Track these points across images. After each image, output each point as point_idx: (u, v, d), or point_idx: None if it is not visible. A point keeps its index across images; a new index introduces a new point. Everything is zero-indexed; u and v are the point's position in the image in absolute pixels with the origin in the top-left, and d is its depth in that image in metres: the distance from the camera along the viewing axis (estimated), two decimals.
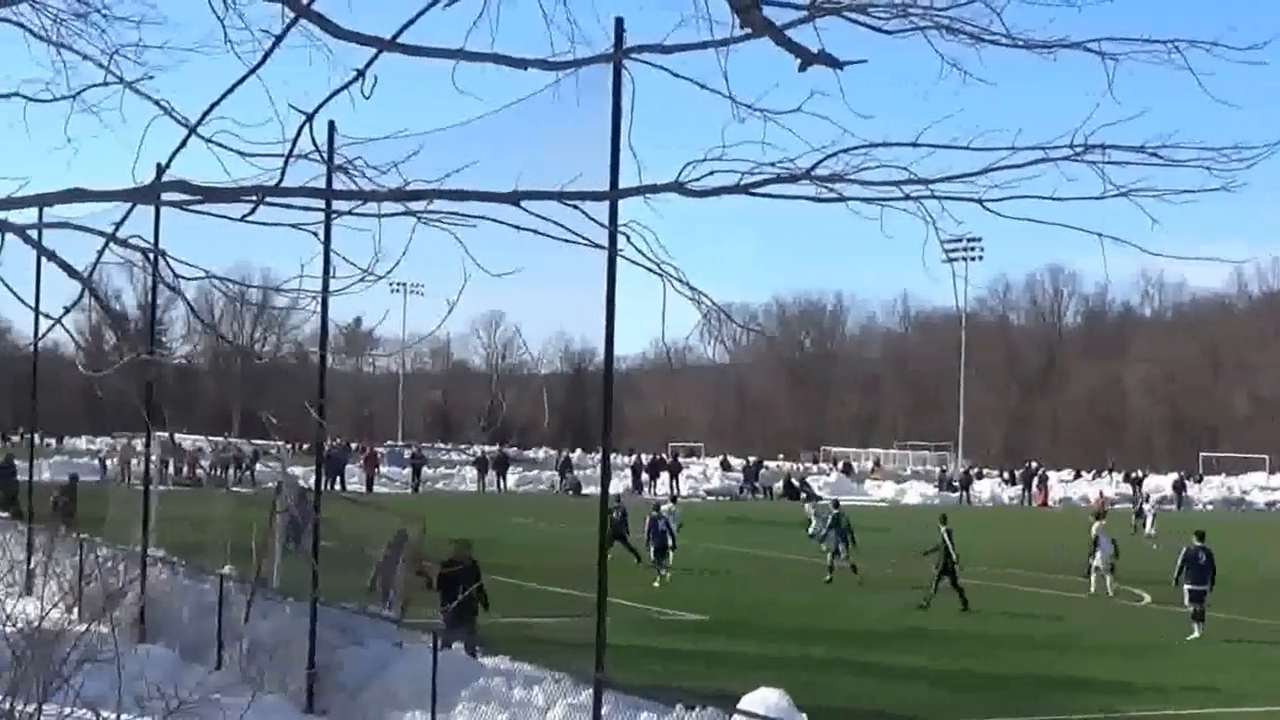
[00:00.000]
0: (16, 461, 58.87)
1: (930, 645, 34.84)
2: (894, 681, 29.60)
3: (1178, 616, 38.40)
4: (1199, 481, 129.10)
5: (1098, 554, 46.66)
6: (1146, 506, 79.90)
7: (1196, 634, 37.20)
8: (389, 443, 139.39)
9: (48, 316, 10.88)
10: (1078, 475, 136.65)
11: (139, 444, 63.62)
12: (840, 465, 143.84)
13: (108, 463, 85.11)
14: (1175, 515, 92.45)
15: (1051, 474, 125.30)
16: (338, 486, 78.26)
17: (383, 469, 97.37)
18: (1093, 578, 46.69)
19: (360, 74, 9.15)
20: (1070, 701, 28.15)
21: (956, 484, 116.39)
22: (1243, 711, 28.10)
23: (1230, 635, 37.62)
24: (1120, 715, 27.24)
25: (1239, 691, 29.96)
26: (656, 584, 43.66)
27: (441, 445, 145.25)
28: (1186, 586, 37.89)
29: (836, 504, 53.96)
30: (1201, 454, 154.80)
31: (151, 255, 10.51)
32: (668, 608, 39.07)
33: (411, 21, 9.00)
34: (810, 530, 57.47)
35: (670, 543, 46.87)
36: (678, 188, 9.43)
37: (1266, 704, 28.59)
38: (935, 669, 31.35)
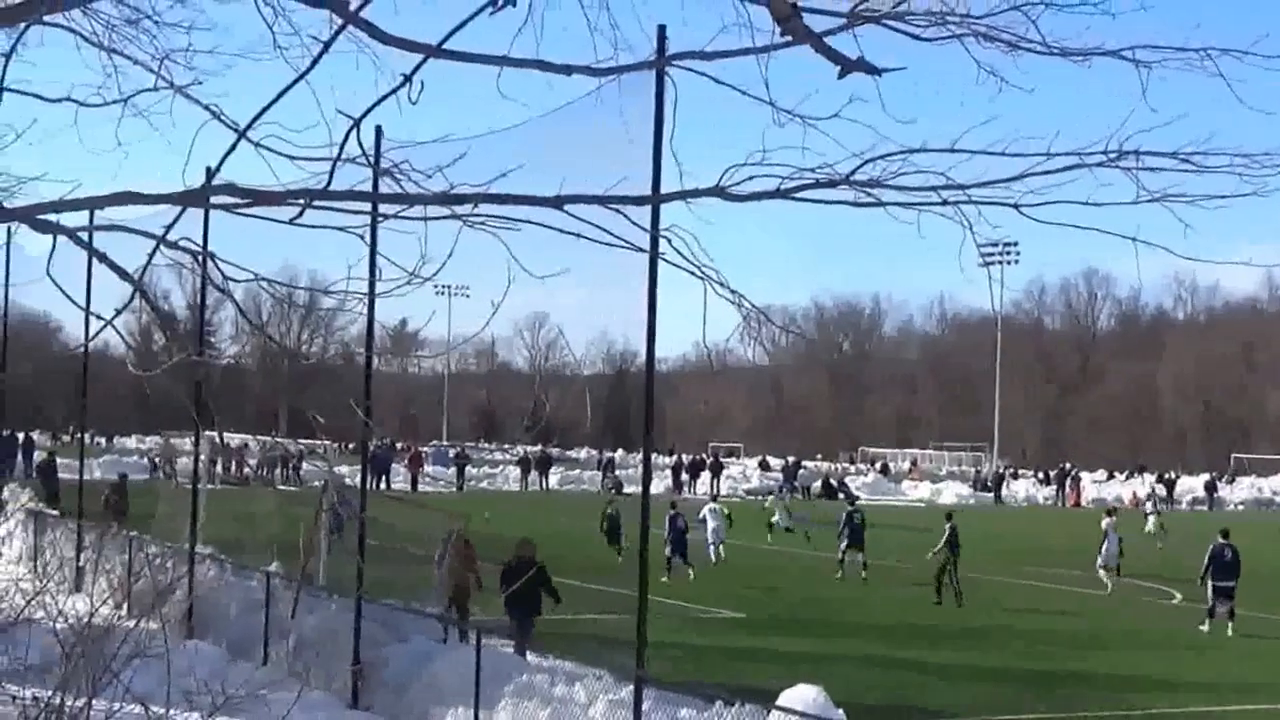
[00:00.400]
0: (65, 460, 59.39)
1: (964, 641, 35.13)
2: (929, 677, 29.77)
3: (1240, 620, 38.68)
4: (1230, 482, 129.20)
5: (1105, 549, 47.32)
6: (1148, 505, 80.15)
7: (1209, 629, 37.92)
8: (434, 442, 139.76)
9: (99, 317, 11.05)
10: (1111, 476, 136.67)
11: (178, 443, 64.00)
12: (878, 465, 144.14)
13: (157, 461, 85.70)
14: (1206, 515, 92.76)
15: (1085, 474, 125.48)
16: (383, 485, 78.66)
17: (427, 468, 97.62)
18: (1102, 573, 47.24)
19: (407, 79, 9.31)
20: (1102, 696, 28.28)
21: (989, 484, 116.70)
22: (1272, 708, 28.21)
23: (1254, 631, 37.91)
24: (1153, 711, 27.38)
25: (1262, 686, 30.16)
26: (666, 579, 43.08)
27: (485, 445, 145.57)
28: (1212, 583, 38.38)
29: (852, 502, 55.21)
30: (1233, 455, 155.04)
31: (200, 257, 10.68)
32: (707, 605, 39.23)
33: (458, 28, 9.15)
34: (774, 519, 58.00)
35: (687, 541, 46.92)
36: (719, 192, 9.56)
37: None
38: (968, 665, 31.61)
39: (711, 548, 50.89)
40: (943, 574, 42.57)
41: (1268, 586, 44.99)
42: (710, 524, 51.60)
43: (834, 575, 48.24)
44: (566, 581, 34.48)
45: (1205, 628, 37.99)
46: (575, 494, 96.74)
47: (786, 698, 17.07)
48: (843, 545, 49.11)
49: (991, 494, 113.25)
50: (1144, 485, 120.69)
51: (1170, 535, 67.54)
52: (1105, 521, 48.67)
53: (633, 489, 76.86)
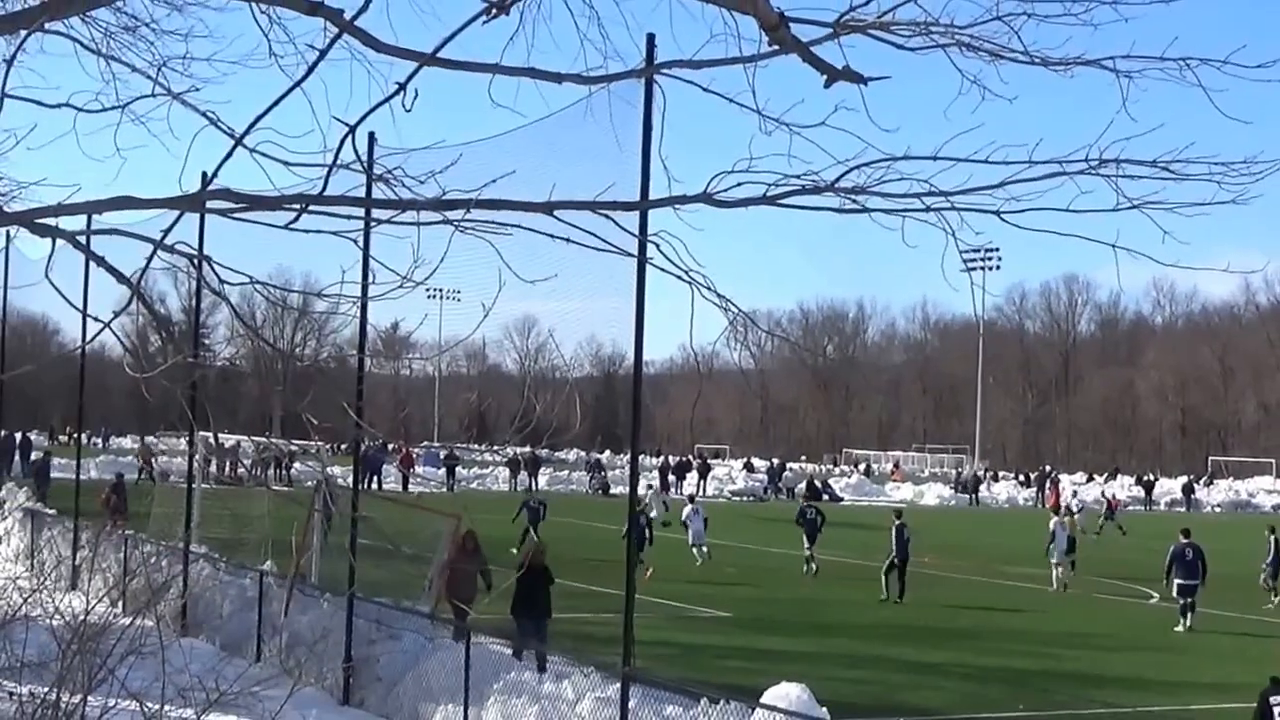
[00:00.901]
0: (63, 460, 59.56)
1: (947, 640, 35.43)
2: (912, 676, 30.04)
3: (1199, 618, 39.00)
4: (1208, 485, 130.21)
5: (1052, 548, 48.04)
6: (1074, 503, 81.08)
7: (1183, 626, 38.32)
8: (425, 443, 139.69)
9: (96, 320, 11.14)
10: (1090, 478, 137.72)
11: (153, 444, 64.04)
12: (861, 467, 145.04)
13: (152, 462, 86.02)
14: (1182, 516, 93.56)
15: (1065, 477, 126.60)
16: (374, 486, 78.87)
17: (418, 469, 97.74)
18: (1062, 571, 48.67)
19: (402, 87, 9.44)
20: (1082, 695, 28.61)
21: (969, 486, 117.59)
22: (1249, 707, 28.42)
23: (1231, 630, 38.26)
24: (1132, 710, 27.62)
25: (1241, 685, 30.41)
26: (648, 575, 43.25)
27: (475, 446, 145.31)
28: (1177, 582, 38.96)
29: (809, 502, 57.56)
30: (1210, 458, 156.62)
31: (197, 261, 10.81)
32: (694, 604, 39.45)
33: (451, 37, 9.27)
34: (653, 514, 58.99)
35: (649, 537, 47.29)
36: (706, 198, 9.66)
37: None
38: (952, 663, 31.92)
39: (695, 549, 51.59)
40: (891, 569, 43.27)
41: (1249, 587, 45.32)
42: (692, 526, 52.35)
43: (809, 573, 49.62)
44: (556, 581, 34.73)
45: (1180, 628, 38.37)
46: (564, 495, 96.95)
47: (770, 696, 17.24)
48: (806, 545, 50.59)
49: (970, 495, 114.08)
50: (1122, 488, 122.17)
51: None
52: (1053, 520, 49.90)
53: (620, 489, 77.21)
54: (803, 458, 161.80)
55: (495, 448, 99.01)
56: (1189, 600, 38.91)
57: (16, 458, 76.96)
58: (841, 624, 37.74)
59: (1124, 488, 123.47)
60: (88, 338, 14.66)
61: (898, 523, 44.53)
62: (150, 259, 10.16)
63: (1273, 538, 45.80)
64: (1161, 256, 9.81)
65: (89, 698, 14.10)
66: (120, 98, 13.45)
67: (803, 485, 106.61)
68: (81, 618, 14.78)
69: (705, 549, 51.94)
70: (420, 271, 9.85)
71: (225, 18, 14.34)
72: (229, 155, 9.87)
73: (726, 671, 27.57)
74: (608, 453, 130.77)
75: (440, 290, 13.95)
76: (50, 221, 10.25)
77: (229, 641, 28.01)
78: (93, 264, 10.35)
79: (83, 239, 10.59)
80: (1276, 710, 16.66)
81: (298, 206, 9.67)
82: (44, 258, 10.62)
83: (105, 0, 11.67)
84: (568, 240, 9.64)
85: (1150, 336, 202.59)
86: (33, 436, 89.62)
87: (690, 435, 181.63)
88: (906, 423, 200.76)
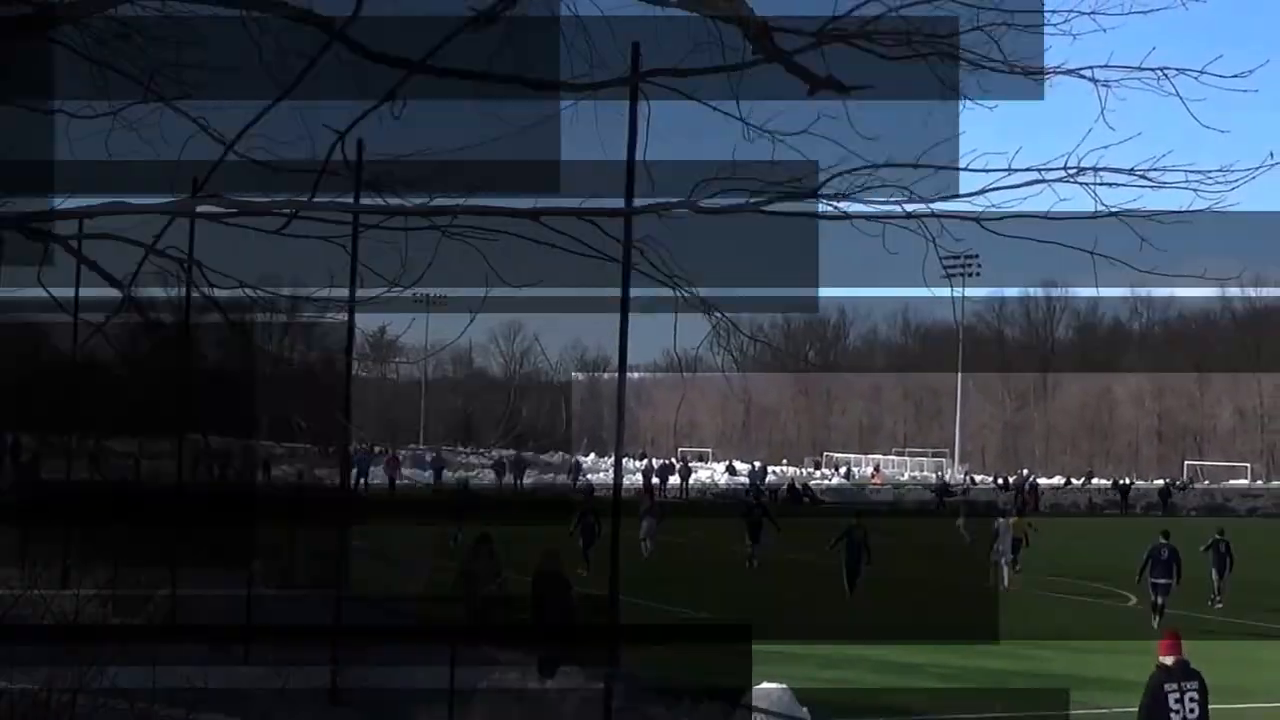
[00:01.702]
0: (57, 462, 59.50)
1: (928, 641, 35.40)
2: (892, 676, 30.08)
3: (1168, 619, 39.09)
4: (1184, 488, 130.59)
5: (996, 546, 48.76)
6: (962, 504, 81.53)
7: (1155, 625, 38.33)
8: (411, 445, 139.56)
9: (89, 323, 11.24)
10: (1068, 482, 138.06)
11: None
12: (842, 471, 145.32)
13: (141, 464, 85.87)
14: (1159, 519, 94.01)
15: (1043, 480, 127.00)
16: (362, 487, 79.02)
17: (405, 471, 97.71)
18: (1005, 571, 48.78)
19: (390, 95, 9.59)
20: (1061, 696, 28.63)
21: (949, 490, 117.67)
22: (1234, 709, 28.50)
23: (1209, 631, 38.37)
24: (1111, 711, 27.73)
25: (1222, 686, 30.45)
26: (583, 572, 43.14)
27: (461, 449, 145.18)
28: (1150, 580, 39.11)
29: (758, 498, 59.93)
30: (1187, 462, 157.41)
31: (187, 265, 10.92)
32: (677, 605, 39.48)
33: (440, 45, 9.42)
34: None
35: (596, 536, 47.58)
36: (690, 205, 9.80)
37: (1254, 701, 29.07)
38: (931, 664, 31.91)
39: (643, 543, 52.30)
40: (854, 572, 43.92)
41: (1234, 590, 45.52)
42: (645, 522, 53.57)
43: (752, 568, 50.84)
44: None
45: (1155, 627, 38.51)
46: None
47: (753, 695, 17.37)
48: (747, 538, 52.65)
49: (958, 499, 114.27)
50: (1099, 492, 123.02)
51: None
52: (998, 521, 50.12)
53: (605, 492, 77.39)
54: (784, 461, 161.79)
55: (481, 450, 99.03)
56: (1160, 600, 39.12)
57: (6, 460, 77.13)
58: (823, 624, 37.79)
59: (1101, 492, 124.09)
60: (80, 342, 14.77)
61: (853, 522, 45.02)
62: (141, 263, 10.28)
63: (1214, 538, 46.19)
64: (1139, 264, 9.94)
65: (79, 696, 14.20)
66: (112, 104, 13.54)
67: (784, 488, 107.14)
68: (73, 617, 14.90)
69: (650, 545, 53.17)
70: (408, 276, 9.98)
71: (217, 26, 14.44)
72: (220, 161, 10.02)
73: (709, 671, 27.64)
74: (592, 455, 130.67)
75: (427, 295, 14.05)
76: (43, 226, 10.37)
77: (219, 641, 28.05)
78: (85, 268, 10.47)
79: (75, 243, 10.70)
80: (1171, 697, 16.75)
81: (287, 212, 9.80)
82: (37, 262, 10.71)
83: (98, 8, 11.77)
84: (553, 246, 9.77)
85: (1127, 342, 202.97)
86: (23, 439, 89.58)
87: (673, 438, 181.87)
88: (887, 427, 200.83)
